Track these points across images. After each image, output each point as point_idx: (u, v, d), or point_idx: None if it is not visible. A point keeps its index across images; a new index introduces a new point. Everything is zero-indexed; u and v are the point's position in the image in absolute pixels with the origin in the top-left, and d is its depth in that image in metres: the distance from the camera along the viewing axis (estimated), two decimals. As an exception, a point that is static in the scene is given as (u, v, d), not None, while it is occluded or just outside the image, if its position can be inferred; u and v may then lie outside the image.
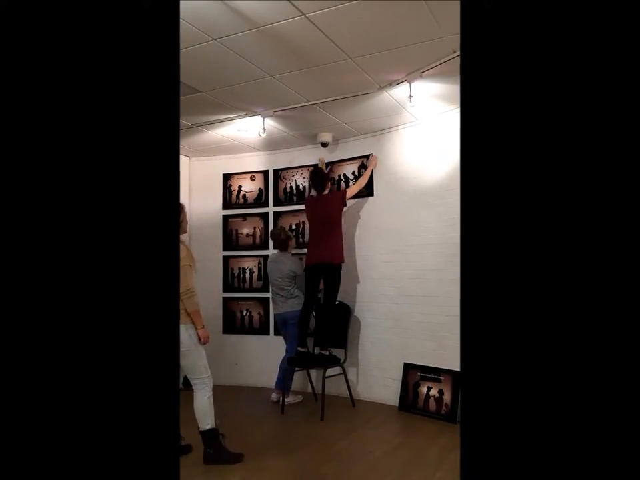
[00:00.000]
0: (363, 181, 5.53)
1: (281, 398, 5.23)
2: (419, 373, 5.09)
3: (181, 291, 3.68)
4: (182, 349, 3.73)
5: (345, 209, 5.43)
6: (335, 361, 5.14)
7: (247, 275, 6.46)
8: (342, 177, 5.90)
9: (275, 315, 5.74)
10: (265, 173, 6.49)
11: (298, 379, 5.62)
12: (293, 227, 6.18)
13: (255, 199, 6.51)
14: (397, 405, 5.13)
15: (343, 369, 5.21)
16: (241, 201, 6.57)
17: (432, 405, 4.89)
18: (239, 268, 6.47)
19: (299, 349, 5.14)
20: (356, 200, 5.71)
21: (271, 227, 6.34)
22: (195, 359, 3.91)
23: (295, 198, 6.27)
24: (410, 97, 4.17)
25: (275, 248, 5.88)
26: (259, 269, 6.39)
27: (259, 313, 6.35)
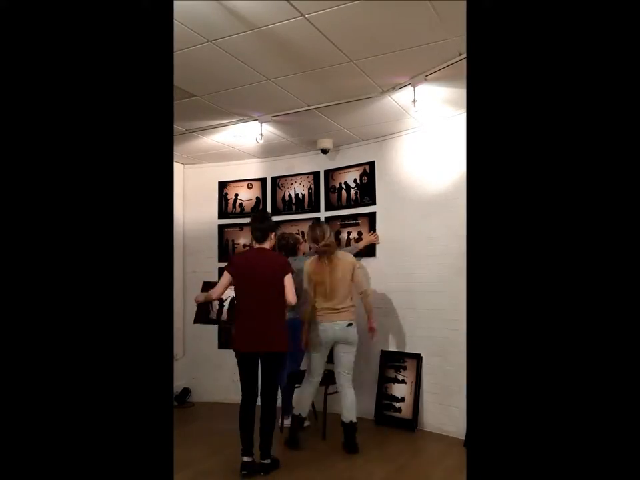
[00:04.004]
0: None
1: (281, 420, 5.12)
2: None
3: (361, 290, 4.73)
4: (353, 344, 4.63)
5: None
6: None
7: (244, 288, 6.44)
8: (343, 185, 5.91)
9: None
10: (263, 180, 6.49)
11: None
12: (292, 237, 6.19)
13: (252, 208, 6.51)
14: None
15: (345, 386, 5.19)
16: (238, 210, 6.57)
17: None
18: (236, 280, 6.46)
19: (244, 458, 3.95)
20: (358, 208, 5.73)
21: (268, 237, 6.35)
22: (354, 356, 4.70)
23: (293, 207, 6.27)
24: (414, 101, 4.17)
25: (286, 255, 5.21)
26: (256, 281, 6.38)
27: (256, 327, 6.33)
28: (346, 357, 4.60)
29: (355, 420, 4.51)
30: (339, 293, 4.59)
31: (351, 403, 4.55)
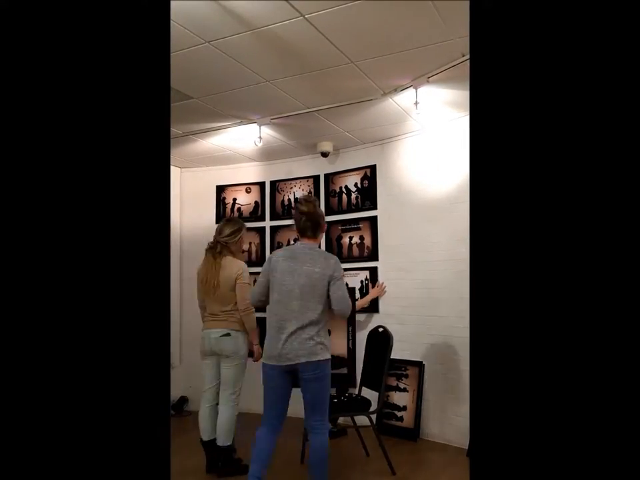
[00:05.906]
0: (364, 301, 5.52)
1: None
2: (426, 399, 5.06)
3: (240, 308, 4.16)
4: (232, 358, 4.13)
5: None
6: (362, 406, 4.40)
7: (242, 294, 6.42)
8: (343, 189, 5.91)
9: (266, 364, 3.30)
10: (262, 184, 6.49)
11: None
12: (292, 242, 6.18)
13: (250, 213, 6.50)
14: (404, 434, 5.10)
15: (345, 395, 5.17)
16: (236, 214, 6.56)
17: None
18: (234, 286, 6.45)
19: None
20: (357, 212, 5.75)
21: (267, 243, 6.34)
22: (239, 371, 4.20)
23: (293, 211, 6.26)
24: (416, 103, 4.17)
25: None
26: (255, 287, 6.36)
27: (254, 335, 6.32)
28: (225, 372, 4.18)
29: (222, 443, 4.09)
30: (221, 296, 4.23)
31: (220, 423, 4.12)
